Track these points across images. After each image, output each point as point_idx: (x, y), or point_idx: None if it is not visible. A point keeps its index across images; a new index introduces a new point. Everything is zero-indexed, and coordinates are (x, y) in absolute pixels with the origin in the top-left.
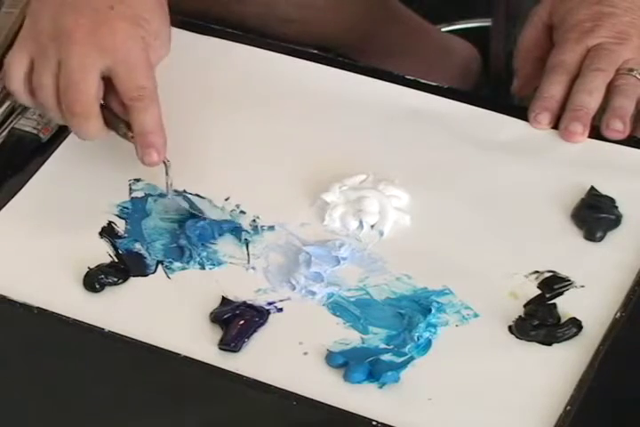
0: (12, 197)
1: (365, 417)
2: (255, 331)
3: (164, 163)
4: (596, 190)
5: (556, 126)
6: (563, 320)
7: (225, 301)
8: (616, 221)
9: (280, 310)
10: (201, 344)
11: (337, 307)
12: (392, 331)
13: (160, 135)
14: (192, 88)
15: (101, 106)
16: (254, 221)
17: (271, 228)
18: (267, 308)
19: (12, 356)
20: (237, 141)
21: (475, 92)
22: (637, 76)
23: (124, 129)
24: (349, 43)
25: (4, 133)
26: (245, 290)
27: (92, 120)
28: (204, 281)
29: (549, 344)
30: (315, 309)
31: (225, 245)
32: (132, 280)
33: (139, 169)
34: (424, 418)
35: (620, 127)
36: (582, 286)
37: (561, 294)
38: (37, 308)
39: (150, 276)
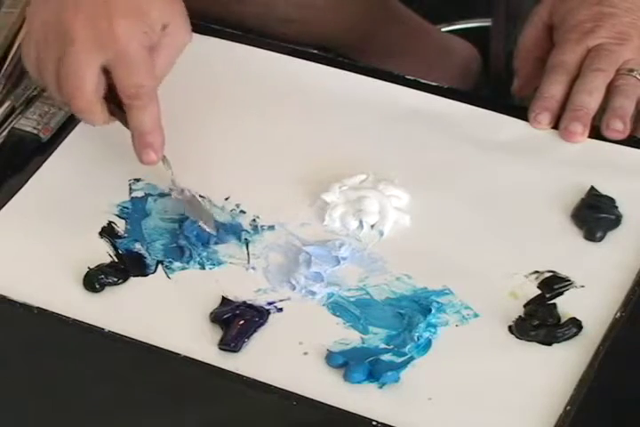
0: (12, 197)
1: (365, 417)
2: (255, 331)
3: (162, 160)
4: (596, 190)
5: (556, 126)
6: (563, 320)
7: (225, 301)
8: (616, 221)
9: (280, 310)
10: (201, 344)
11: (337, 307)
12: (392, 331)
13: (158, 135)
14: (192, 88)
15: (106, 97)
16: (254, 220)
17: (271, 228)
18: (267, 308)
19: (12, 356)
20: (237, 141)
21: (475, 92)
22: (637, 76)
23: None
24: (349, 43)
25: (4, 133)
26: (245, 290)
27: (94, 115)
28: (204, 281)
29: (549, 344)
30: (315, 309)
31: (225, 245)
32: (132, 280)
33: (139, 169)
34: (424, 418)
35: (620, 127)
36: (582, 286)
37: (561, 294)
38: (37, 308)
39: (150, 276)
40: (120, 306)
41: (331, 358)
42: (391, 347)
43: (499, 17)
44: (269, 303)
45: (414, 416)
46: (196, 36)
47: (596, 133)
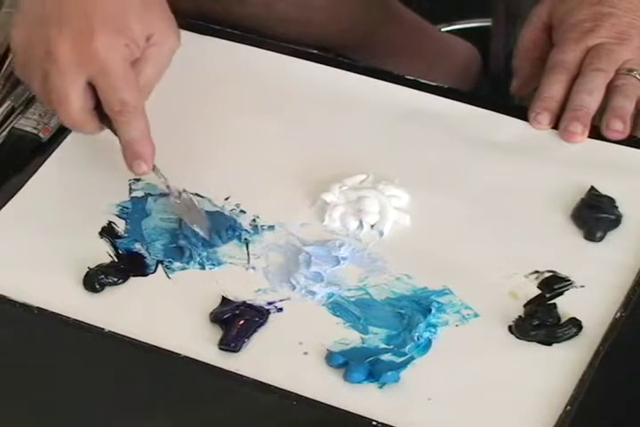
0: (12, 197)
1: (365, 417)
2: (255, 331)
3: (153, 170)
4: (596, 190)
5: (556, 126)
6: (563, 320)
7: (225, 301)
8: (616, 221)
9: (280, 309)
10: (201, 344)
11: (337, 307)
12: (392, 331)
13: (148, 145)
14: (192, 88)
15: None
16: (254, 220)
17: (271, 227)
18: (267, 308)
19: (12, 356)
20: (237, 141)
21: (475, 92)
22: (637, 76)
23: None
24: (349, 43)
25: (4, 133)
26: (245, 290)
27: (84, 128)
28: (204, 281)
29: (549, 344)
30: (315, 309)
31: (225, 245)
32: (132, 280)
33: None
34: (424, 418)
35: (620, 127)
36: (582, 286)
37: (561, 294)
38: (37, 308)
39: (150, 276)
40: (120, 306)
41: (331, 358)
42: (391, 347)
43: (499, 17)
44: (269, 303)
45: (414, 416)
46: (196, 36)
47: (596, 133)
